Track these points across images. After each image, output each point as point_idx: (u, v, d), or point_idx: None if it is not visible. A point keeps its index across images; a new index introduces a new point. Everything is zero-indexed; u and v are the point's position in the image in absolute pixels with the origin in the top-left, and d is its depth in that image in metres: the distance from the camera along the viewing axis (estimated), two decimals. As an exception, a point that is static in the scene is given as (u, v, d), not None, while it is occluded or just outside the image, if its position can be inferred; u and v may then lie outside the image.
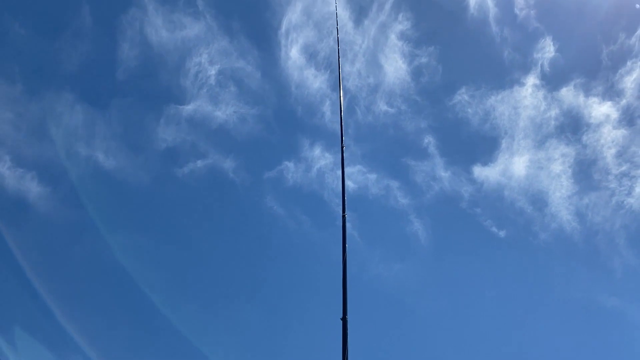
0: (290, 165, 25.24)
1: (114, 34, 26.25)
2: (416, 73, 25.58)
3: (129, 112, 26.36)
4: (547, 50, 24.43)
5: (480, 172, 24.40)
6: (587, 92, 23.96)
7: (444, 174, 24.75)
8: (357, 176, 24.48)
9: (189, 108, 25.70)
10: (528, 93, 24.57)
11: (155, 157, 26.03)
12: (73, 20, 25.87)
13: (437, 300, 23.50)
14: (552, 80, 24.47)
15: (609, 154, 23.18)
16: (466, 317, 23.01)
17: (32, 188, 23.61)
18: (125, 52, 25.85)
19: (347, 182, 8.65)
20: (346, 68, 25.15)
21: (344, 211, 8.22)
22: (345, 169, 8.85)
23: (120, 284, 23.56)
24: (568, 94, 24.15)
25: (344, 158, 8.77)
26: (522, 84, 24.68)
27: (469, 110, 25.06)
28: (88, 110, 25.59)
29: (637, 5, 21.48)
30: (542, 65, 24.45)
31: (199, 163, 25.36)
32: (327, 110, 25.65)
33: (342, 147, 8.90)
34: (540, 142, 24.34)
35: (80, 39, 25.74)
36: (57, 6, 26.62)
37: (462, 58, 26.76)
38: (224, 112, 25.79)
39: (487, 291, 23.52)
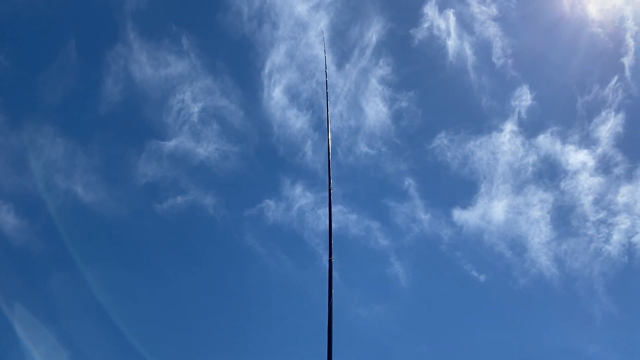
0: (270, 203, 25.22)
1: (98, 69, 26.35)
2: (396, 116, 26.01)
3: (110, 146, 26.26)
4: (524, 98, 25.10)
5: (459, 215, 24.65)
6: (564, 139, 24.58)
7: (424, 216, 24.92)
8: (338, 216, 24.51)
9: (170, 144, 25.68)
10: (506, 139, 25.09)
11: (135, 192, 25.82)
12: (58, 54, 25.95)
13: (416, 343, 23.35)
14: (529, 128, 25.07)
15: (587, 201, 23.65)
16: (445, 362, 22.86)
17: (9, 220, 23.19)
18: (108, 87, 25.90)
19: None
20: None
21: (330, 255, 8.01)
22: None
23: (95, 318, 23.08)
24: (545, 141, 24.73)
25: (331, 201, 8.65)
26: (500, 130, 25.22)
27: (448, 154, 25.47)
28: (69, 143, 25.43)
29: None
30: (519, 113, 25.06)
31: (179, 199, 25.21)
32: (309, 150, 25.85)
33: (329, 190, 8.80)
34: (519, 188, 24.75)
35: (65, 72, 25.77)
36: (43, 39, 26.71)
37: (441, 103, 27.32)
38: (206, 149, 25.82)
39: (467, 336, 23.46)
